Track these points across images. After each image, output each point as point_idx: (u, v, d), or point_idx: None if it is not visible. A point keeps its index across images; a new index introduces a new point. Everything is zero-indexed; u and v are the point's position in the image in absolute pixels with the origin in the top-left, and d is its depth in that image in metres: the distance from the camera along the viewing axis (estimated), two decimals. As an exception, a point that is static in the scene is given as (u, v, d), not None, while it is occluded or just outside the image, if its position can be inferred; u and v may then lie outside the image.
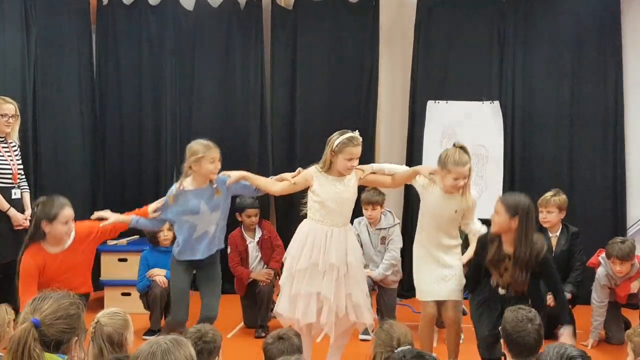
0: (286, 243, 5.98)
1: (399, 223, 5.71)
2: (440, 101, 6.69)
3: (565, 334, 4.11)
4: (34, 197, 5.67)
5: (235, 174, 4.48)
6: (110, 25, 7.09)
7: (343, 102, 6.85)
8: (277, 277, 5.85)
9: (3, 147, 5.20)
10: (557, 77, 6.60)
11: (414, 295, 6.48)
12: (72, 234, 4.38)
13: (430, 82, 6.73)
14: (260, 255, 5.76)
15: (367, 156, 6.78)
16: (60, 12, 6.59)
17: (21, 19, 6.00)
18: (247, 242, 5.75)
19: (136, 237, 6.59)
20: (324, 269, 4.22)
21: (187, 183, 4.50)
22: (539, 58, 6.62)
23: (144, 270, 5.66)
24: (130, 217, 4.61)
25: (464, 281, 4.37)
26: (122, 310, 3.24)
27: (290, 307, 4.28)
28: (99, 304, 6.17)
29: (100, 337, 3.05)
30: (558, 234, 5.43)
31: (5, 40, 5.84)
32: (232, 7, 6.96)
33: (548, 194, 5.42)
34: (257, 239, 5.75)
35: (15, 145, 5.35)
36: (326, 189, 4.26)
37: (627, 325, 5.40)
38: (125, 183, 7.13)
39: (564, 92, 6.59)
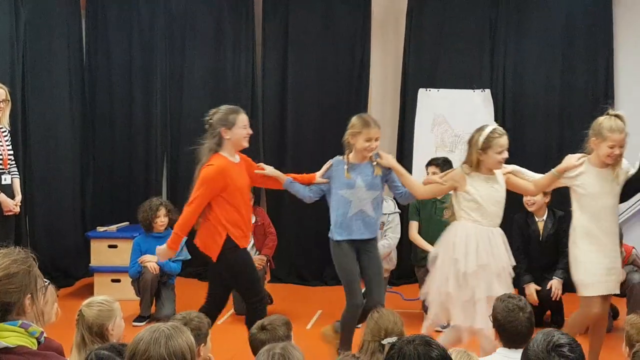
0: (278, 230, 6.04)
1: (399, 212, 5.69)
2: (432, 89, 6.68)
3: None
4: (23, 182, 5.66)
5: (387, 159, 4.38)
6: (100, 9, 7.02)
7: (334, 88, 6.83)
8: (269, 264, 5.89)
9: (-6, 132, 5.15)
10: (548, 66, 6.61)
11: (404, 282, 6.57)
12: (238, 157, 4.39)
13: (422, 70, 6.73)
14: (253, 241, 5.75)
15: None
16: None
17: (10, 3, 5.94)
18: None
19: (126, 223, 6.58)
20: (497, 271, 4.07)
21: (351, 156, 4.36)
22: (531, 47, 6.62)
23: (136, 256, 5.66)
24: (285, 177, 4.52)
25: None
26: (112, 299, 3.24)
27: (465, 315, 4.07)
28: (89, 290, 6.16)
29: (82, 325, 3.07)
30: (545, 218, 5.45)
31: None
32: (223, -11, 6.92)
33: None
34: (250, 225, 5.74)
35: (5, 131, 5.30)
36: (481, 189, 4.12)
37: (615, 313, 5.45)
38: (115, 168, 7.10)
39: (555, 81, 6.61)
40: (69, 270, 6.67)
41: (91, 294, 6.18)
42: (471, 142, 4.13)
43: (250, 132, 4.36)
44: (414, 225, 5.58)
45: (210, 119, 4.34)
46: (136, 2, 6.98)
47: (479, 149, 4.06)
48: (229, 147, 4.30)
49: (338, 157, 4.44)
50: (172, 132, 7.09)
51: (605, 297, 4.19)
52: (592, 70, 6.57)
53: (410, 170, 6.47)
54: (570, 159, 4.19)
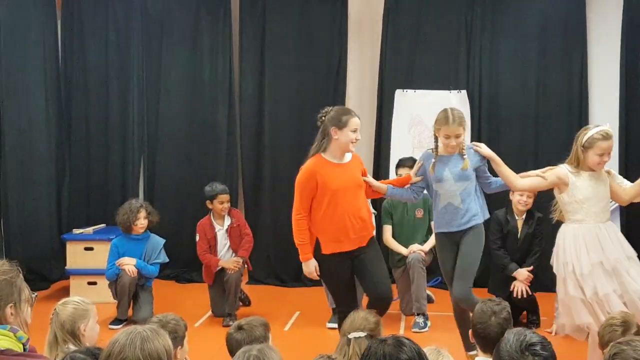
0: (253, 232, 6.02)
1: (374, 213, 5.71)
2: (408, 90, 6.71)
3: None
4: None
5: (485, 149, 4.38)
6: (76, 11, 6.96)
7: (312, 90, 6.83)
8: (246, 266, 5.88)
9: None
10: (523, 67, 6.66)
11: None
12: (350, 155, 4.35)
13: (398, 71, 6.75)
14: (229, 243, 5.74)
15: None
16: (24, -2, 6.46)
17: (-17, 4, 5.88)
18: (216, 230, 5.73)
19: (102, 225, 6.54)
20: (610, 266, 4.04)
21: (440, 149, 4.36)
22: (506, 48, 6.67)
23: (114, 258, 5.62)
24: (386, 186, 4.51)
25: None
26: (88, 300, 3.23)
27: (591, 314, 4.04)
28: (65, 293, 6.09)
29: (55, 323, 3.06)
30: (524, 217, 5.51)
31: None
32: (200, -8, 6.90)
33: None
34: (226, 226, 5.74)
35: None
36: (583, 188, 4.11)
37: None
38: (91, 170, 7.05)
39: (530, 82, 6.66)
40: (45, 273, 6.61)
41: (67, 296, 6.12)
42: (577, 139, 4.14)
43: (359, 137, 4.30)
44: (387, 229, 5.62)
45: (323, 117, 4.34)
46: (112, 3, 6.93)
47: (582, 145, 4.08)
48: (333, 148, 4.28)
49: (427, 151, 4.48)
50: (148, 133, 7.06)
51: None
52: (566, 72, 6.63)
53: (387, 171, 6.53)
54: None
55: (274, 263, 6.88)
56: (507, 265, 5.37)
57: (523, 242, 5.47)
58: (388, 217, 5.61)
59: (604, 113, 6.61)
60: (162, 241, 5.76)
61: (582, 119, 6.59)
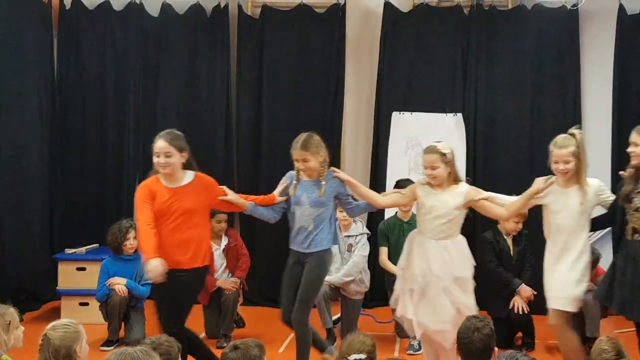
0: (251, 252, 5.99)
1: (368, 233, 5.69)
2: (405, 112, 6.74)
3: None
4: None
5: (342, 173, 4.54)
6: (73, 30, 6.97)
7: (309, 111, 6.85)
8: (243, 286, 5.84)
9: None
10: (518, 91, 6.72)
11: (377, 305, 6.55)
12: (191, 176, 4.34)
13: (395, 93, 6.79)
14: (225, 263, 5.70)
15: (333, 166, 6.79)
16: (21, 16, 6.44)
17: (-20, 21, 5.88)
18: (213, 250, 5.68)
19: (95, 245, 6.48)
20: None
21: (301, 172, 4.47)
22: (501, 72, 6.74)
23: (104, 278, 5.56)
24: (247, 202, 4.52)
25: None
26: (76, 321, 3.18)
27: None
28: (56, 314, 6.04)
29: (47, 350, 2.99)
30: (511, 236, 5.56)
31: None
32: (198, 14, 6.92)
33: None
34: (222, 246, 5.70)
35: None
36: (427, 202, 4.31)
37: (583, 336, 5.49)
38: (85, 189, 6.98)
39: (525, 106, 6.71)
40: (36, 293, 6.52)
41: (58, 317, 6.04)
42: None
43: (162, 162, 4.23)
44: (383, 251, 5.57)
45: None
46: (110, 23, 6.94)
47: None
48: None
49: (291, 172, 4.53)
50: (144, 153, 7.01)
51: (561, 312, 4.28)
52: (560, 97, 6.70)
53: (383, 191, 6.51)
54: (538, 182, 4.30)
55: (269, 284, 6.83)
56: (511, 280, 5.40)
57: (517, 260, 5.53)
58: (384, 239, 5.59)
59: (597, 137, 6.64)
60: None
61: (576, 143, 6.62)
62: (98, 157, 6.97)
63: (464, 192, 4.29)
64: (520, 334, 5.57)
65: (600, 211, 4.48)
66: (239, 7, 6.88)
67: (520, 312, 5.32)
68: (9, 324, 3.28)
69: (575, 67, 6.65)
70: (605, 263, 5.72)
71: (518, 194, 6.47)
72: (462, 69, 6.74)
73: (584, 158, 4.23)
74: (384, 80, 6.77)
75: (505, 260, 5.51)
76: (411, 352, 5.33)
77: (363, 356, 3.15)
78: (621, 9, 6.54)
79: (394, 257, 5.54)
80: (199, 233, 4.33)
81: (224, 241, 5.70)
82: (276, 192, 4.53)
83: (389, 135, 6.71)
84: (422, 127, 6.72)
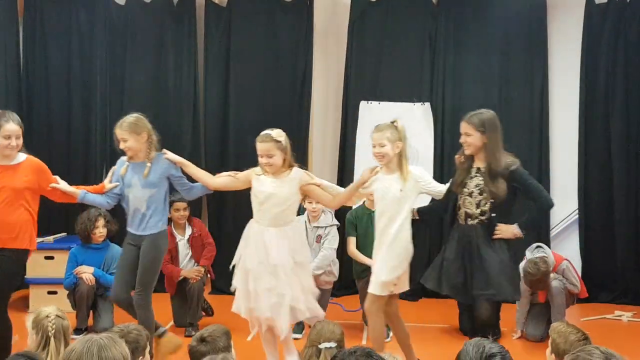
0: (217, 241, 6.00)
1: (337, 225, 5.72)
2: (373, 102, 6.77)
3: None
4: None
5: (172, 154, 4.58)
6: (38, 17, 6.88)
7: (277, 100, 6.85)
8: (208, 275, 5.85)
9: None
10: (486, 80, 6.78)
11: (345, 294, 6.61)
12: (23, 156, 4.40)
13: (363, 83, 6.81)
14: (190, 253, 5.71)
15: (301, 155, 6.80)
16: (-16, 2, 6.37)
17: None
18: (177, 240, 5.69)
19: (63, 234, 6.44)
20: (271, 269, 4.27)
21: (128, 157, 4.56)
22: (469, 61, 6.78)
23: (72, 267, 5.56)
24: (79, 191, 4.59)
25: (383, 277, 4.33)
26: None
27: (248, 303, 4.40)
28: (24, 303, 6.00)
29: (61, 331, 3.08)
30: None
31: None
32: (164, 2, 6.87)
33: None
34: (187, 236, 5.70)
35: None
36: (264, 189, 4.33)
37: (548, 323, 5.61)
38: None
39: (492, 95, 6.76)
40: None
41: (26, 306, 6.03)
42: None
43: (13, 144, 4.31)
44: (352, 241, 5.58)
45: None
46: (75, 10, 6.87)
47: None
48: None
49: (122, 158, 4.64)
50: (111, 143, 6.89)
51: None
52: (528, 85, 6.76)
53: (351, 182, 6.54)
54: (365, 172, 4.40)
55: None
56: None
57: None
58: (352, 229, 5.62)
59: (564, 126, 6.77)
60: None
61: (542, 132, 6.74)
62: (64, 144, 6.92)
63: (298, 177, 4.35)
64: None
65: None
66: (207, -6, 6.86)
67: None
68: None
69: (543, 56, 6.71)
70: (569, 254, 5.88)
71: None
72: (430, 59, 6.77)
73: (404, 147, 4.32)
74: (352, 69, 6.79)
75: None
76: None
77: (333, 344, 3.21)
78: (589, -3, 6.58)
79: (362, 246, 5.58)
80: (25, 215, 4.40)
81: (188, 231, 5.70)
82: (106, 180, 4.65)
83: (357, 124, 6.75)
84: (390, 116, 6.70)
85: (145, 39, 6.90)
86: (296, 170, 4.38)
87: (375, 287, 4.28)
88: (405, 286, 4.44)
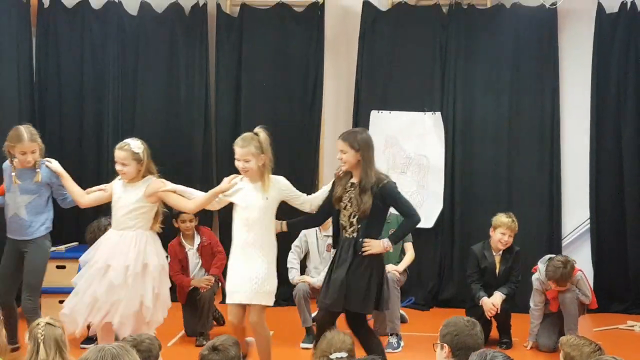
0: (228, 249, 5.98)
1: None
2: (384, 111, 6.78)
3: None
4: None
5: (55, 164, 4.83)
6: (51, 28, 6.92)
7: (288, 110, 6.87)
8: (219, 284, 5.86)
9: None
10: (497, 90, 6.77)
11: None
12: None
13: (374, 92, 6.82)
14: (200, 262, 5.72)
15: (312, 165, 6.86)
16: (-1, 14, 6.43)
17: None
18: (187, 250, 5.71)
19: (75, 243, 6.47)
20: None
21: (16, 161, 4.80)
22: (480, 71, 6.78)
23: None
24: None
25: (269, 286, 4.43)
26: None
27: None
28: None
29: (52, 340, 3.06)
30: (501, 253, 5.54)
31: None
32: (176, 12, 6.90)
33: (507, 218, 5.50)
34: (196, 245, 5.71)
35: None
36: (115, 195, 4.62)
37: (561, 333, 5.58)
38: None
39: (503, 105, 6.76)
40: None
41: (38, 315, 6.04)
42: None
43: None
44: None
45: None
46: (88, 21, 6.90)
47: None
48: None
49: (6, 163, 4.88)
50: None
51: (243, 307, 4.45)
52: (539, 95, 6.75)
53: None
54: (224, 181, 4.54)
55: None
56: (476, 294, 5.45)
57: (502, 276, 5.52)
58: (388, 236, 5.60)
59: (576, 136, 6.75)
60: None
61: (554, 142, 6.72)
62: (76, 155, 6.92)
63: (147, 184, 4.54)
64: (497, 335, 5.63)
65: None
66: (218, 5, 6.87)
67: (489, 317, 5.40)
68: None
69: (553, 66, 6.70)
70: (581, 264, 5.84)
71: (496, 194, 6.65)
72: (441, 68, 6.78)
73: (266, 156, 4.44)
74: (363, 79, 6.80)
75: (488, 276, 5.51)
76: (390, 350, 5.36)
77: (344, 354, 3.19)
78: (599, 7, 6.58)
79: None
80: None
81: (197, 240, 5.72)
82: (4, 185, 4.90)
83: (367, 134, 6.75)
84: (401, 125, 6.77)
85: (157, 49, 6.93)
86: (147, 179, 4.57)
87: (262, 297, 4.38)
88: None
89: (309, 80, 6.85)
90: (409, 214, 4.50)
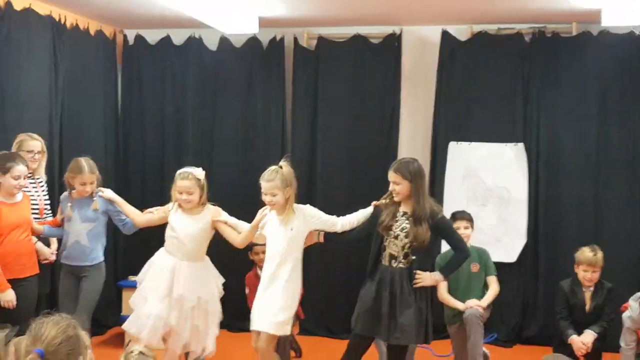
0: (305, 283, 5.95)
1: None
2: (463, 142, 6.65)
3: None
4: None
5: (108, 192, 5.09)
6: (135, 64, 7.18)
7: (364, 142, 6.83)
8: (297, 316, 5.81)
9: (30, 183, 5.26)
10: (583, 120, 6.50)
11: (435, 338, 6.38)
12: (21, 195, 4.89)
13: (453, 123, 6.70)
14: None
15: (388, 196, 6.75)
16: (88, 52, 6.67)
17: (49, 58, 6.10)
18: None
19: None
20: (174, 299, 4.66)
21: (74, 192, 5.07)
22: (565, 101, 6.54)
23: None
24: (42, 227, 5.11)
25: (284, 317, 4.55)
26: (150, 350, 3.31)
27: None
28: (120, 339, 6.14)
29: None
30: (592, 289, 5.30)
31: (34, 80, 5.92)
32: (254, 47, 7.01)
33: (589, 253, 5.26)
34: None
35: (42, 181, 5.43)
36: (178, 225, 4.73)
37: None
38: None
39: (590, 135, 6.49)
40: (101, 319, 6.63)
41: (122, 342, 6.17)
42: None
43: (22, 184, 4.76)
44: (442, 285, 5.38)
45: None
46: (170, 57, 7.11)
47: (174, 182, 4.78)
48: (3, 191, 4.76)
49: (65, 194, 5.15)
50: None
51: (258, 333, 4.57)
52: (627, 124, 6.44)
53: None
54: (258, 214, 4.68)
55: (323, 314, 6.80)
56: (565, 332, 5.21)
57: (592, 314, 5.26)
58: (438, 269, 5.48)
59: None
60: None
61: (645, 173, 6.41)
62: (158, 187, 7.07)
63: (210, 212, 4.73)
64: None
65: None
66: (295, 39, 6.95)
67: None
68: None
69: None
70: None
71: (583, 228, 6.37)
72: (523, 98, 6.60)
73: (291, 189, 4.56)
74: (441, 109, 6.70)
75: (578, 313, 5.26)
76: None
77: None
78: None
79: (454, 291, 5.42)
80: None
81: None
82: (58, 216, 5.17)
83: (445, 165, 6.64)
84: (481, 157, 6.62)
85: (235, 83, 7.05)
86: (207, 207, 4.74)
87: (271, 326, 4.50)
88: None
89: (386, 111, 6.80)
90: (462, 249, 4.56)
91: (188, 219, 4.70)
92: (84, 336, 2.51)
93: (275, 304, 4.52)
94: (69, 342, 2.42)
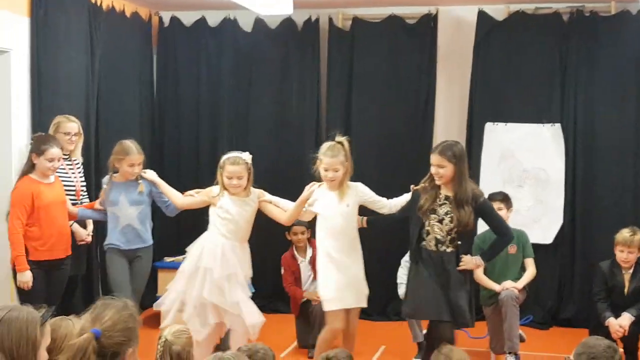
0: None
1: None
2: (499, 123, 6.59)
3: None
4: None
5: (150, 173, 5.13)
6: (171, 46, 7.22)
7: (399, 123, 6.80)
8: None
9: (67, 164, 5.34)
10: (621, 100, 6.41)
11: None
12: (53, 177, 4.93)
13: (489, 104, 6.64)
14: (312, 274, 5.74)
15: (422, 176, 6.72)
16: (123, 34, 6.72)
17: (86, 41, 6.16)
18: (299, 262, 5.77)
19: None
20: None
21: (116, 176, 5.10)
22: (603, 80, 6.44)
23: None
24: (77, 210, 5.15)
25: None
26: (186, 327, 3.29)
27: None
28: (156, 320, 6.20)
29: (169, 355, 3.09)
30: (631, 271, 5.19)
31: (71, 62, 6.00)
32: (289, 28, 7.00)
33: (627, 233, 5.15)
34: (308, 258, 5.76)
35: (78, 163, 5.49)
36: (231, 208, 4.68)
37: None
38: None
39: (629, 115, 6.40)
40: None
41: (158, 323, 6.25)
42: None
43: (56, 166, 4.84)
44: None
45: (30, 142, 4.97)
46: (205, 39, 7.13)
47: (220, 167, 4.70)
48: (38, 172, 4.82)
49: (107, 177, 5.16)
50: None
51: (347, 311, 4.55)
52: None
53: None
54: (305, 190, 4.63)
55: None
56: (602, 314, 5.10)
57: (630, 297, 5.15)
58: (479, 253, 5.46)
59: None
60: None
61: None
62: (193, 169, 7.16)
63: (256, 194, 4.73)
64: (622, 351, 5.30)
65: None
66: (330, 20, 6.92)
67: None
68: None
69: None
70: None
71: (621, 210, 6.27)
72: (560, 78, 6.51)
73: (349, 164, 4.57)
74: (477, 90, 6.64)
75: (616, 295, 5.16)
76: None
77: None
78: None
79: (490, 272, 5.41)
80: None
81: (309, 252, 5.76)
82: (98, 201, 5.21)
83: (481, 146, 6.58)
84: (517, 138, 6.55)
85: (269, 64, 7.05)
86: (253, 190, 4.75)
87: (364, 300, 4.64)
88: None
89: (421, 92, 6.76)
90: (504, 232, 4.52)
91: (240, 202, 4.69)
92: (138, 328, 2.53)
93: (358, 277, 4.58)
94: (125, 332, 2.46)
